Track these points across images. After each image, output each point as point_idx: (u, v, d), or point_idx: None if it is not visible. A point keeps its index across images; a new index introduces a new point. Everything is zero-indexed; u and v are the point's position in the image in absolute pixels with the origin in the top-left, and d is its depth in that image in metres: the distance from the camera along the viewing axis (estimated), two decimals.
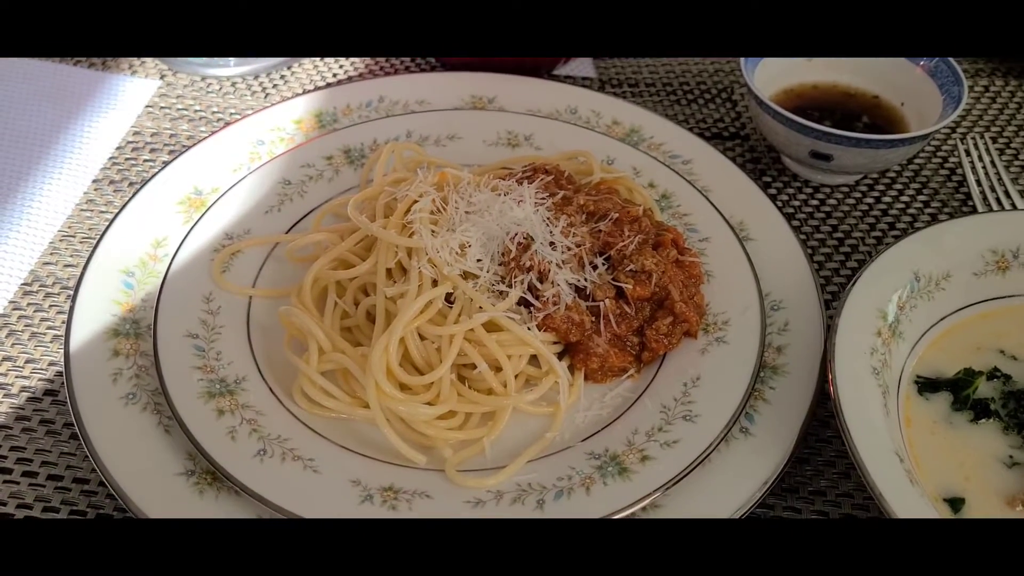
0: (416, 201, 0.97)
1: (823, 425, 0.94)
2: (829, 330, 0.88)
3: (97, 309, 0.95)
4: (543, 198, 0.98)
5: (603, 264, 0.95)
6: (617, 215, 0.97)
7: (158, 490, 0.81)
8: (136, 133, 1.27)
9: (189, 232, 1.02)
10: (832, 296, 1.07)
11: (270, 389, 0.90)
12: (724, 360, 0.92)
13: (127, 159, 1.23)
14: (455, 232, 0.93)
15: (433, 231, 0.94)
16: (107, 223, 1.04)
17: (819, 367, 0.92)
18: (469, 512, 0.80)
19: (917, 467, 0.85)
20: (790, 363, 0.93)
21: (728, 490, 0.83)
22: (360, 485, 0.81)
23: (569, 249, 0.94)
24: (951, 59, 1.16)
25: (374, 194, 1.02)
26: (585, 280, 0.93)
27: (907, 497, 0.76)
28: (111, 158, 1.23)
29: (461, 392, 0.89)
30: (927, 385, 0.91)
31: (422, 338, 0.91)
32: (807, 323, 0.96)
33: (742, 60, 1.17)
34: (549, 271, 0.91)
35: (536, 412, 0.90)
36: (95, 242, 1.01)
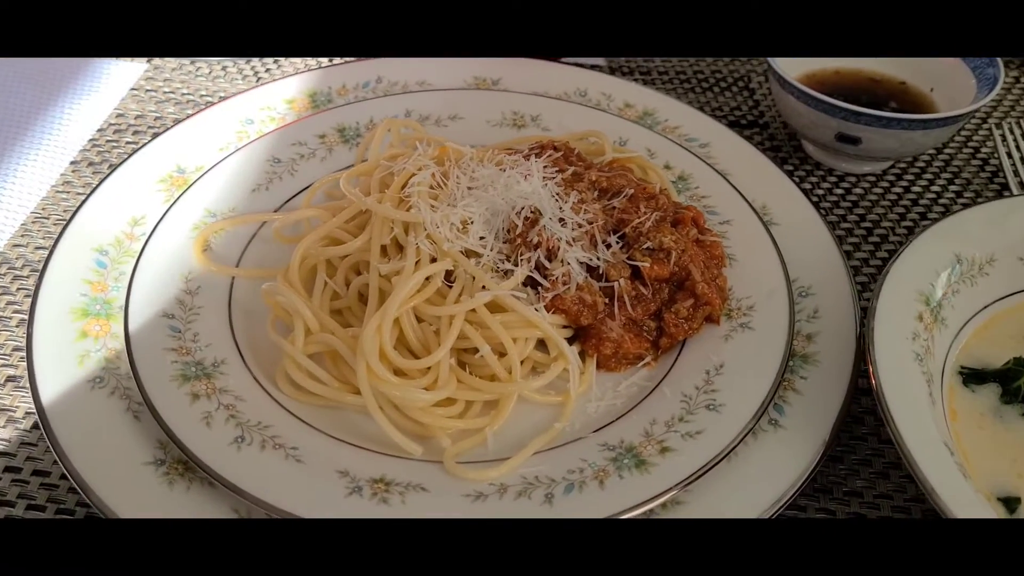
0: (414, 175, 0.89)
1: (856, 421, 0.86)
2: (866, 313, 0.80)
3: (66, 288, 0.87)
4: (552, 173, 0.90)
5: (617, 243, 0.87)
6: (632, 191, 0.90)
7: (124, 481, 0.73)
8: (119, 115, 1.19)
9: (169, 209, 0.94)
10: (863, 287, 0.99)
11: (251, 373, 0.81)
12: (750, 347, 0.84)
13: (108, 141, 1.15)
14: (456, 207, 0.86)
15: (432, 206, 0.86)
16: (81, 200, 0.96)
17: (854, 356, 0.84)
18: (469, 507, 0.71)
19: (967, 463, 0.76)
20: (822, 352, 0.85)
21: (757, 486, 0.75)
22: (348, 476, 0.73)
23: (580, 226, 0.86)
24: None
25: (369, 169, 0.94)
26: (598, 259, 0.85)
27: (961, 494, 0.68)
28: (91, 140, 1.15)
29: (461, 378, 0.81)
30: (973, 376, 0.83)
31: (419, 320, 0.83)
32: (839, 310, 0.88)
33: None
34: (558, 249, 0.84)
35: (544, 401, 0.82)
36: (67, 219, 0.94)
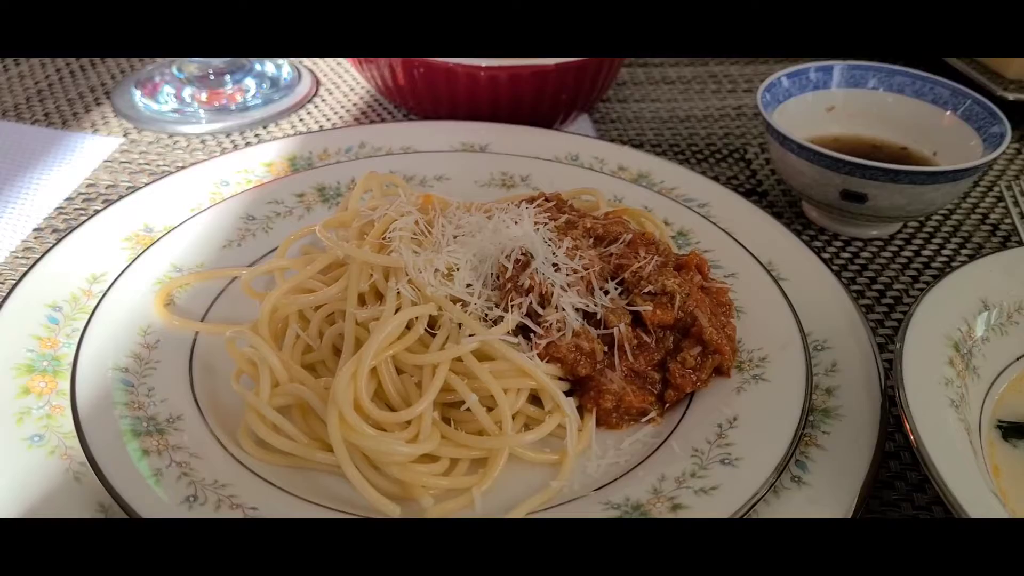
0: (396, 220, 0.83)
1: (886, 486, 0.77)
2: (891, 365, 0.73)
3: (10, 344, 0.80)
4: (544, 219, 0.84)
5: (616, 289, 0.80)
6: (631, 236, 0.84)
7: None
8: (90, 185, 1.14)
9: (131, 263, 0.87)
10: (880, 347, 0.91)
11: (209, 430, 0.73)
12: (765, 399, 0.76)
13: (76, 209, 1.09)
14: (441, 253, 0.79)
15: (415, 251, 0.80)
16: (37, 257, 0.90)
17: (880, 409, 0.76)
18: None
19: None
20: (844, 405, 0.77)
21: None
22: None
23: (575, 271, 0.79)
24: (985, 100, 1.06)
25: (348, 219, 0.88)
26: (595, 304, 0.78)
27: None
28: (58, 208, 1.09)
29: (446, 433, 0.73)
30: (1013, 430, 0.75)
31: (399, 372, 0.75)
32: (859, 363, 0.81)
33: (761, 103, 1.06)
34: (552, 294, 0.77)
35: (537, 459, 0.73)
36: (21, 275, 0.87)
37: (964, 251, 1.08)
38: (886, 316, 0.97)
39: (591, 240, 0.85)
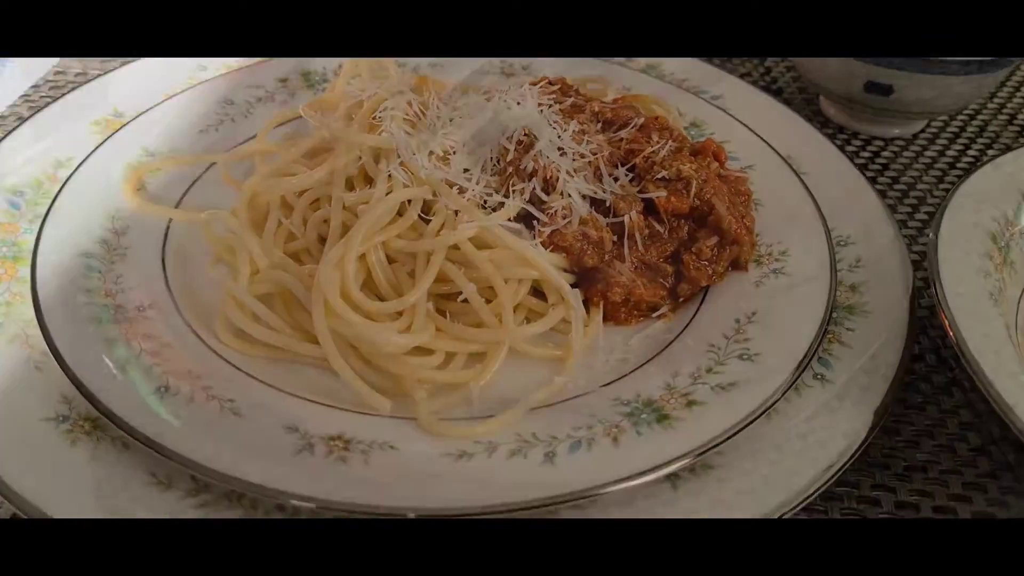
0: (387, 100, 0.76)
1: (909, 388, 0.72)
2: (927, 251, 0.67)
3: None
4: (549, 102, 0.77)
5: (627, 175, 0.74)
6: (642, 120, 0.77)
7: (15, 439, 0.58)
8: (59, 72, 1.06)
9: (99, 145, 0.81)
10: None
11: (182, 318, 0.67)
12: (786, 293, 0.71)
13: (43, 97, 1.02)
14: (436, 135, 0.72)
15: (408, 132, 0.73)
16: None
17: (908, 305, 0.70)
18: (450, 466, 0.57)
19: None
20: (870, 302, 0.72)
21: (803, 450, 0.60)
22: (297, 432, 0.58)
23: (582, 156, 0.73)
24: None
25: (334, 101, 0.81)
26: (604, 191, 0.72)
27: None
28: (23, 96, 1.02)
29: (441, 326, 0.67)
30: None
31: (390, 261, 0.69)
32: (885, 259, 0.75)
33: None
34: (557, 179, 0.70)
35: (540, 355, 0.68)
36: None
37: (991, 151, 1.02)
38: (909, 216, 0.91)
39: (599, 124, 0.78)
